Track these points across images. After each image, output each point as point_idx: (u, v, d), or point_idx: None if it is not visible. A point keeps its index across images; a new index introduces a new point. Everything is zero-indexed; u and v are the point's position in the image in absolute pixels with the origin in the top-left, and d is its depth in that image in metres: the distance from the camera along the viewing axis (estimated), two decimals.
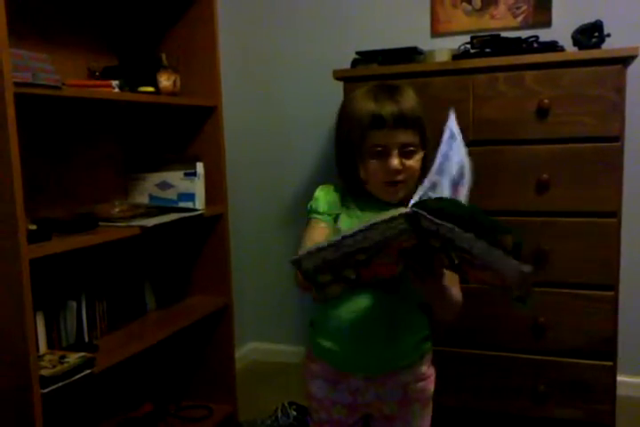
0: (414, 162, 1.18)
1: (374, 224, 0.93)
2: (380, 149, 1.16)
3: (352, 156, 1.20)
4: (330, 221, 1.23)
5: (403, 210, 0.93)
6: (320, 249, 0.94)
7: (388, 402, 1.25)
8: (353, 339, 1.21)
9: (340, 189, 1.27)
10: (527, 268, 0.88)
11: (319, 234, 1.20)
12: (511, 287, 0.93)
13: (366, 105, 1.17)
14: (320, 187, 1.29)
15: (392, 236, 0.94)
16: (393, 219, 0.93)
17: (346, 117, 1.23)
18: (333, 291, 1.01)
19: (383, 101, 1.17)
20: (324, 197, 1.26)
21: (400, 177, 1.17)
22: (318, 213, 1.24)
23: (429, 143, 1.21)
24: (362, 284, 1.04)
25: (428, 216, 0.91)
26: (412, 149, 1.17)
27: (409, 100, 1.19)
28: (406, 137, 1.16)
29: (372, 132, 1.16)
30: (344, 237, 0.93)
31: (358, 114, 1.18)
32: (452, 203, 0.98)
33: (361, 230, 0.93)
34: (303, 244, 1.20)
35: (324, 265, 0.96)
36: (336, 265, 0.96)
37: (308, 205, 1.27)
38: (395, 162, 1.15)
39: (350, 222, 1.20)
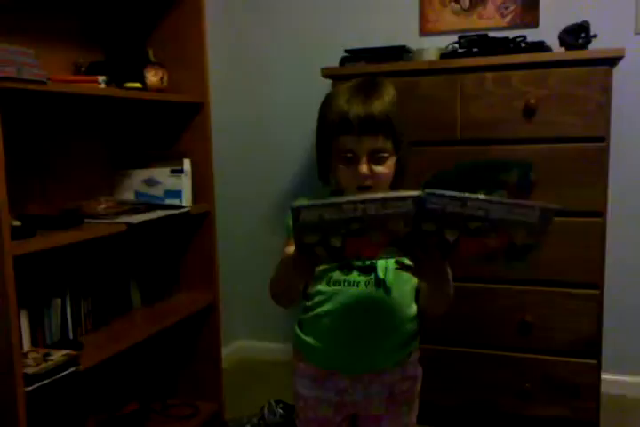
0: (384, 168, 1.15)
1: (382, 198, 0.93)
2: (349, 155, 1.14)
3: (327, 159, 1.20)
4: None
5: (414, 192, 0.93)
6: (324, 205, 0.94)
7: (375, 401, 1.25)
8: (336, 336, 1.21)
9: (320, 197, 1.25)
10: (553, 206, 0.91)
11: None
12: (515, 244, 0.94)
13: (339, 105, 1.15)
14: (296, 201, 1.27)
15: (394, 215, 0.94)
16: (402, 198, 0.93)
17: (321, 117, 1.21)
18: (314, 256, 0.99)
19: (353, 103, 1.13)
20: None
21: (369, 182, 1.14)
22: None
23: (404, 146, 1.18)
24: (341, 258, 1.02)
25: (439, 192, 0.92)
26: (383, 154, 1.14)
27: (382, 102, 1.14)
28: (375, 143, 1.13)
29: (342, 137, 1.14)
30: (348, 201, 0.93)
31: (330, 115, 1.16)
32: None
33: (366, 200, 0.93)
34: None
35: (319, 224, 0.94)
36: (329, 227, 0.95)
37: (285, 222, 1.22)
38: (363, 169, 1.13)
39: None
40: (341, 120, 1.13)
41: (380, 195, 0.94)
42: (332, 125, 1.15)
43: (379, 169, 1.15)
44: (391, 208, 0.93)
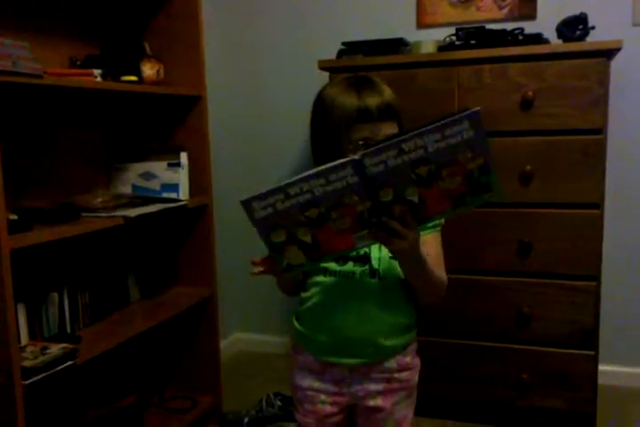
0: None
1: (320, 171, 0.92)
2: (362, 142, 1.14)
3: (333, 152, 1.18)
4: None
5: (348, 158, 0.93)
6: (270, 192, 0.93)
7: (373, 392, 1.25)
8: (332, 327, 1.21)
9: None
10: (474, 108, 0.90)
11: None
12: (472, 174, 0.94)
13: (349, 97, 1.15)
14: None
15: (341, 190, 0.93)
16: (339, 166, 0.92)
17: (326, 112, 1.19)
18: (292, 256, 0.98)
19: (366, 94, 1.15)
20: None
21: None
22: None
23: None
24: (320, 256, 1.00)
25: (372, 148, 0.91)
26: None
27: (388, 91, 1.18)
28: (390, 129, 1.15)
29: (359, 125, 1.14)
30: (289, 182, 0.92)
31: (341, 106, 1.15)
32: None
33: (307, 177, 0.92)
34: None
35: (276, 216, 0.94)
36: (287, 219, 0.94)
37: None
38: None
39: None
40: (359, 109, 1.13)
41: (315, 169, 0.93)
42: (347, 116, 1.14)
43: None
44: (335, 181, 0.93)
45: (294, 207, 0.94)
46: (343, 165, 0.92)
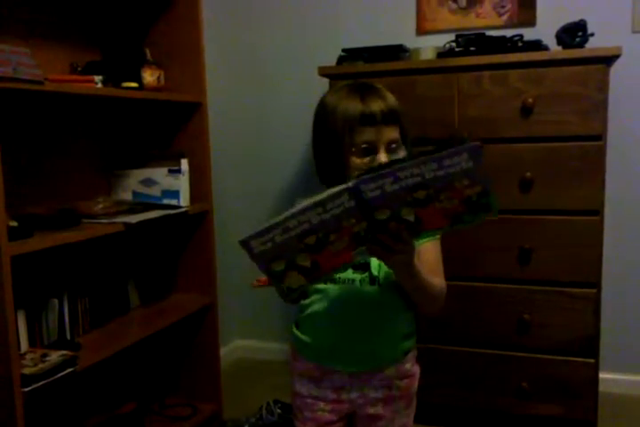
0: (400, 156, 1.17)
1: (317, 202, 0.91)
2: (366, 146, 1.15)
3: (336, 156, 1.19)
4: None
5: (343, 185, 0.92)
6: (268, 229, 0.92)
7: (372, 399, 1.25)
8: (332, 333, 1.21)
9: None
10: (475, 143, 0.88)
11: None
12: (470, 198, 0.93)
13: (353, 104, 1.16)
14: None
15: (339, 215, 0.92)
16: (336, 195, 0.91)
17: (329, 117, 1.19)
18: (293, 281, 0.97)
19: (370, 99, 1.16)
20: None
21: None
22: None
23: (408, 138, 1.21)
24: (320, 276, 1.00)
25: (368, 176, 0.90)
26: (396, 144, 1.17)
27: (391, 97, 1.19)
28: (393, 133, 1.16)
29: (363, 128, 1.14)
30: (287, 217, 0.91)
31: (344, 111, 1.16)
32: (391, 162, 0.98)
33: (304, 209, 0.91)
34: None
35: (275, 249, 0.93)
36: (287, 250, 0.93)
37: None
38: (382, 158, 1.14)
39: None
40: (363, 114, 1.14)
41: (312, 199, 0.91)
42: (351, 120, 1.15)
43: (396, 158, 1.15)
44: (332, 209, 0.92)
45: (293, 238, 0.93)
46: (340, 194, 0.91)
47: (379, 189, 0.91)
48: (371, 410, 1.26)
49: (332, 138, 1.18)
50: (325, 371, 1.24)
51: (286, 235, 0.92)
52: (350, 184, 0.91)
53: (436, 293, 1.15)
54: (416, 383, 1.30)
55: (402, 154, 1.18)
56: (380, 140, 1.15)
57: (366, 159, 1.15)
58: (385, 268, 1.18)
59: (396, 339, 1.24)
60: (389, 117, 1.15)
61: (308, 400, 1.27)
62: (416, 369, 1.30)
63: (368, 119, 1.14)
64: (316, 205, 0.91)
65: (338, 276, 1.19)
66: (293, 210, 0.92)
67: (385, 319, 1.21)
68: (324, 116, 1.21)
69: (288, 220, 0.92)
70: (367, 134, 1.15)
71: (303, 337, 1.26)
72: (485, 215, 0.95)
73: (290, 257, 0.95)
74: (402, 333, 1.25)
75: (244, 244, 0.93)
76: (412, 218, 0.94)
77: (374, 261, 1.19)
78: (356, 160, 1.16)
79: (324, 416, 1.26)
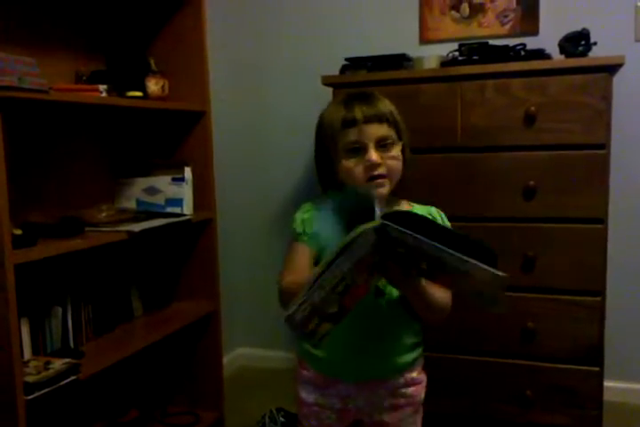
0: (395, 153, 1.17)
1: (346, 248, 0.90)
2: (355, 145, 1.15)
3: (330, 161, 1.20)
4: (311, 243, 1.19)
5: (371, 224, 0.91)
6: (308, 296, 0.92)
7: (379, 408, 1.25)
8: (340, 346, 1.20)
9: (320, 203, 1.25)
10: (502, 273, 0.88)
11: (302, 257, 1.19)
12: (482, 292, 0.93)
13: (337, 111, 1.18)
14: (301, 207, 1.27)
15: (365, 254, 0.92)
16: (363, 235, 0.90)
17: (320, 129, 1.23)
18: (323, 330, 0.97)
19: (353, 105, 1.17)
20: (300, 216, 1.24)
21: (381, 170, 1.15)
22: (300, 233, 1.21)
23: (406, 136, 1.21)
24: (345, 314, 0.99)
25: (396, 227, 0.90)
26: (389, 141, 1.16)
27: (383, 102, 1.19)
28: (381, 130, 1.15)
29: (345, 131, 1.16)
30: (320, 275, 0.91)
31: (330, 119, 1.19)
32: (420, 217, 0.99)
33: (334, 259, 0.91)
34: (287, 268, 1.19)
35: (314, 308, 0.93)
36: (323, 304, 0.94)
37: (291, 228, 1.24)
38: (372, 156, 1.13)
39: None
40: (344, 119, 1.16)
41: (337, 247, 0.91)
42: (334, 125, 1.17)
43: (389, 154, 1.16)
44: (360, 250, 0.91)
45: (328, 292, 0.93)
46: (366, 233, 0.91)
47: (401, 237, 0.91)
48: (377, 418, 1.26)
49: (322, 146, 1.22)
50: (332, 380, 1.24)
51: (323, 293, 0.92)
52: (379, 225, 0.91)
53: (441, 306, 1.14)
54: (423, 391, 1.30)
55: (397, 150, 1.17)
56: (366, 137, 1.15)
57: (354, 159, 1.16)
58: None
59: (402, 350, 1.24)
60: (373, 117, 1.15)
61: (315, 408, 1.27)
62: (423, 377, 1.30)
63: (349, 122, 1.15)
64: (345, 250, 0.91)
65: None
66: (321, 267, 0.91)
67: (392, 330, 1.22)
68: (317, 128, 1.25)
69: (324, 280, 0.92)
70: (350, 135, 1.15)
71: (309, 347, 1.25)
72: (491, 307, 0.96)
73: (323, 311, 0.95)
74: (408, 344, 1.25)
75: (290, 319, 0.93)
76: (424, 267, 0.96)
77: None
78: (345, 162, 1.16)
79: (329, 424, 1.26)
